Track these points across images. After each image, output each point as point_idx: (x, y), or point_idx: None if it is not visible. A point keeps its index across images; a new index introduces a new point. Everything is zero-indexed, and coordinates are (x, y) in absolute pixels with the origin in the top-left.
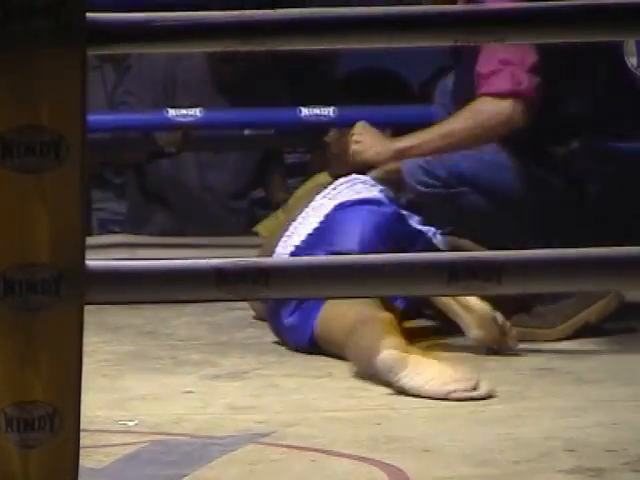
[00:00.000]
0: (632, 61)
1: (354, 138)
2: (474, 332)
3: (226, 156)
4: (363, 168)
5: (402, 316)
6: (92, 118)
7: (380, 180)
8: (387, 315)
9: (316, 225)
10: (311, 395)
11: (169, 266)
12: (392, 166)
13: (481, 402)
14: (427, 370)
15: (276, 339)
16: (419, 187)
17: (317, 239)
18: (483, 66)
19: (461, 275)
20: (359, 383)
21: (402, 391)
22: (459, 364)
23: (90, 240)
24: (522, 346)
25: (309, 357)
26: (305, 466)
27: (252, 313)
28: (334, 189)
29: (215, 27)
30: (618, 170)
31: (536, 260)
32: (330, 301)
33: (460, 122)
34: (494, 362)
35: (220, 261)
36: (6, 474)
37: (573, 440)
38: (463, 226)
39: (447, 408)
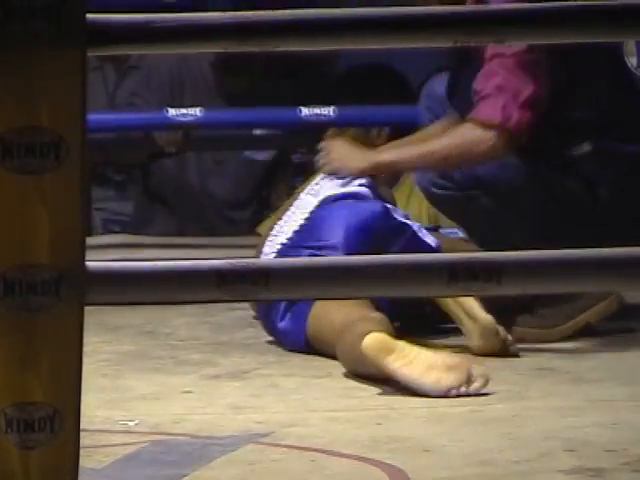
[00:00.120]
0: (632, 61)
1: (329, 152)
2: (476, 342)
3: (229, 163)
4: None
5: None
6: (92, 118)
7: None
8: (377, 314)
9: (301, 222)
10: (311, 395)
11: (169, 267)
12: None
13: (481, 402)
14: (417, 358)
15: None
16: (432, 189)
17: (303, 236)
18: (480, 84)
19: (461, 276)
20: (359, 383)
21: (392, 378)
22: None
23: (90, 240)
24: (522, 346)
25: (309, 357)
26: (305, 466)
27: (252, 313)
28: (317, 184)
29: (214, 28)
30: (626, 173)
31: (536, 261)
32: (319, 301)
33: (442, 144)
34: (494, 362)
35: (220, 262)
36: (6, 475)
37: (573, 440)
38: (476, 228)
39: (447, 408)
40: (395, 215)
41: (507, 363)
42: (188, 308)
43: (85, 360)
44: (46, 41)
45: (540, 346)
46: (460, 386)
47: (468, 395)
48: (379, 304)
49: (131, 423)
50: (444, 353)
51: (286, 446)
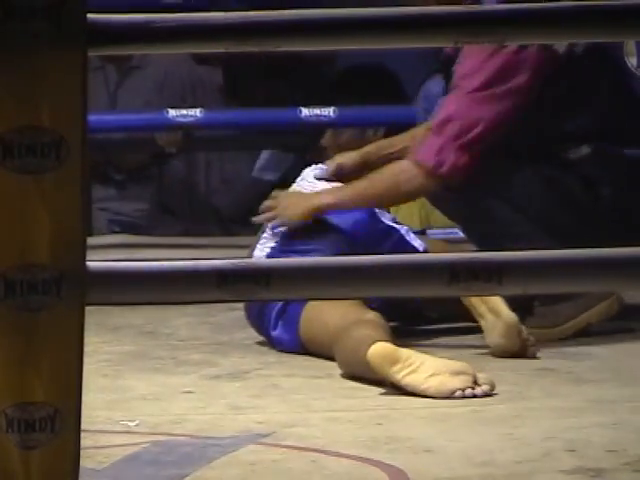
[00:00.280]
0: (632, 61)
1: (272, 206)
2: (496, 339)
3: (236, 182)
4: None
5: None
6: (92, 118)
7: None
8: (373, 315)
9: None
10: (311, 395)
11: (170, 267)
12: (341, 159)
13: (481, 402)
14: (422, 366)
15: None
16: None
17: (291, 240)
18: (442, 110)
19: (462, 276)
20: (359, 383)
21: (397, 387)
22: (451, 358)
23: (91, 240)
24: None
25: (309, 357)
26: (305, 466)
27: None
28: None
29: (214, 28)
30: (626, 175)
31: (537, 261)
32: (310, 303)
33: (377, 184)
34: (494, 362)
35: (221, 262)
36: (7, 475)
37: (573, 440)
38: (476, 227)
39: (447, 408)
40: (382, 219)
41: (507, 363)
42: (189, 308)
43: (85, 360)
44: (46, 41)
45: (540, 346)
46: (465, 389)
47: (475, 396)
48: (372, 302)
49: (131, 423)
50: (448, 360)
51: (286, 446)
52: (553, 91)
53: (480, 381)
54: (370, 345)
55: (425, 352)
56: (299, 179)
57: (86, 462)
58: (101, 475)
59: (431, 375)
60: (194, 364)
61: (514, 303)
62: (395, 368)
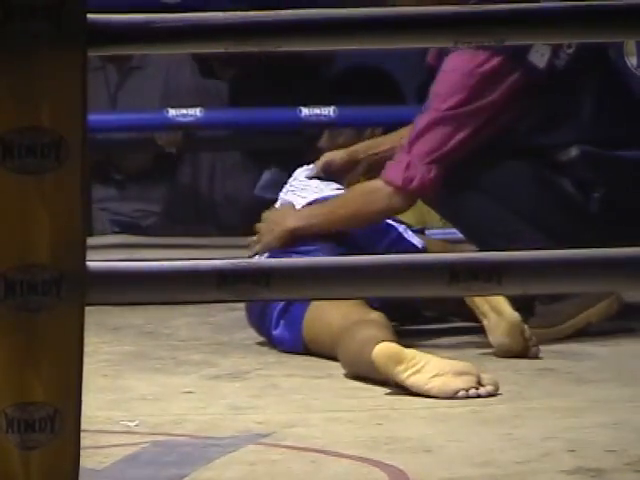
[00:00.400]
0: (632, 61)
1: (258, 229)
2: (499, 338)
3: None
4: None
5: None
6: (92, 118)
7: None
8: (377, 315)
9: None
10: (311, 395)
11: (170, 267)
12: (329, 156)
13: (481, 402)
14: (426, 366)
15: None
16: None
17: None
18: (413, 129)
19: (462, 276)
20: (359, 383)
21: (402, 387)
22: (453, 358)
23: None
24: None
25: (309, 357)
26: (305, 466)
27: None
28: (291, 186)
29: (214, 28)
30: (617, 177)
31: (536, 261)
32: (314, 303)
33: (348, 204)
34: (494, 362)
35: (221, 262)
36: (7, 475)
37: (574, 440)
38: (471, 226)
39: (448, 408)
40: None
41: (507, 363)
42: (189, 308)
43: (85, 360)
44: (46, 41)
45: (540, 346)
46: (469, 390)
47: (479, 396)
48: (374, 302)
49: (131, 423)
50: (453, 360)
51: (286, 446)
52: (536, 104)
53: (484, 381)
54: (375, 345)
55: (427, 352)
56: (291, 179)
57: (86, 462)
58: (101, 475)
59: (435, 375)
60: (194, 364)
61: (516, 303)
62: (400, 368)
